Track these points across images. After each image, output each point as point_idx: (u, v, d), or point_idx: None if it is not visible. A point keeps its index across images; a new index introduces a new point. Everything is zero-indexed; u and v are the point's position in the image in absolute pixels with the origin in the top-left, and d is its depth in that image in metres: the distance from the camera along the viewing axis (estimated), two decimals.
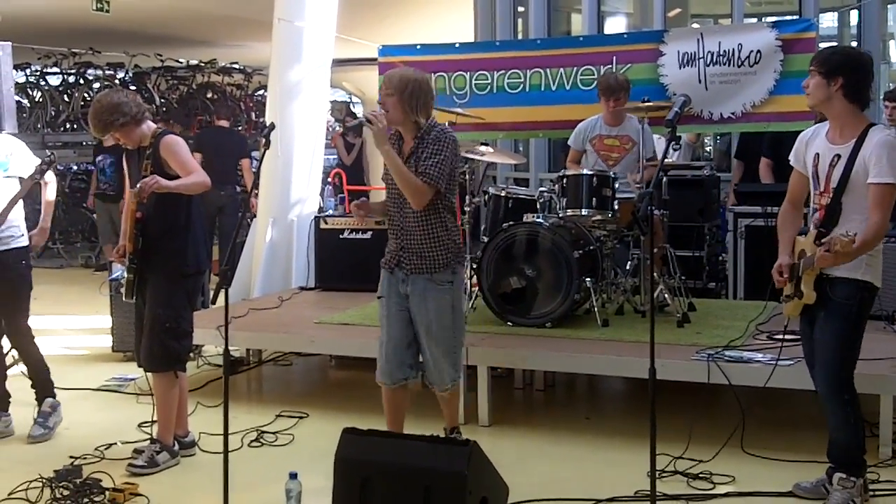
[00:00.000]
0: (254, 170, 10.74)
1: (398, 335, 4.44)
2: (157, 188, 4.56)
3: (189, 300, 4.87)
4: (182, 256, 4.77)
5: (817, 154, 4.05)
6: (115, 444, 5.04)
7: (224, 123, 10.00)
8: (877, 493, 4.22)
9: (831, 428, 4.09)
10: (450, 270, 4.40)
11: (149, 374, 4.86)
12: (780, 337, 4.78)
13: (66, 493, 4.35)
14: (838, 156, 3.96)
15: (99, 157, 11.23)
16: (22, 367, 6.08)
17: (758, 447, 4.75)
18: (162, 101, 14.10)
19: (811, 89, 4.02)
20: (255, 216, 9.53)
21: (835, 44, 10.35)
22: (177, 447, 4.86)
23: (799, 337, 4.31)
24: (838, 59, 3.99)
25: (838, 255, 3.70)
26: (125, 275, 4.78)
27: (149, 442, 4.85)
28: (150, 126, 4.81)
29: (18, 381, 6.07)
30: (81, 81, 14.36)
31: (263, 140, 4.27)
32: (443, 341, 4.40)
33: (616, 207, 5.95)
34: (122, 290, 4.83)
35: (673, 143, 4.18)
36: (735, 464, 4.58)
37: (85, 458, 4.81)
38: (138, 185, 4.57)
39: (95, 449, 4.95)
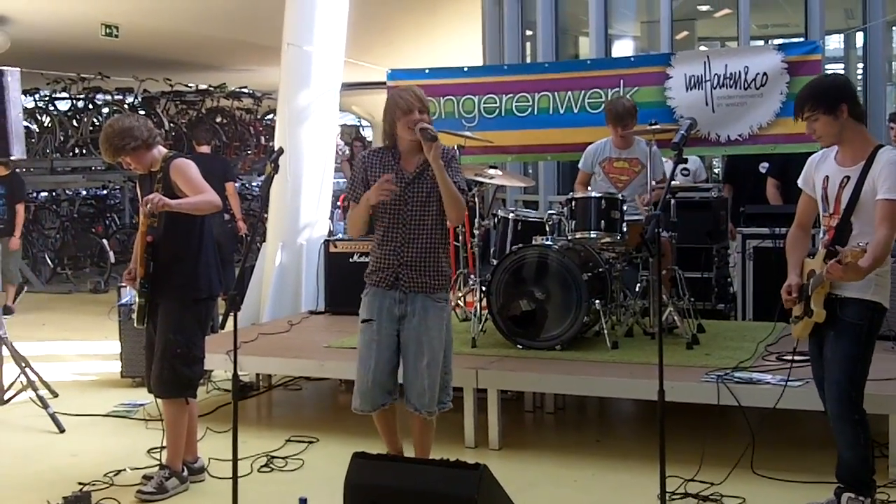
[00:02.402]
0: (255, 193, 10.75)
1: (385, 360, 4.35)
2: (163, 207, 4.54)
3: (200, 326, 4.86)
4: (194, 281, 4.76)
5: (826, 177, 4.06)
6: (125, 470, 5.03)
7: (205, 149, 9.61)
8: None
9: (840, 448, 4.08)
10: (445, 289, 4.39)
11: (159, 400, 4.86)
12: (790, 358, 4.77)
13: None
14: (848, 177, 3.97)
15: None
16: (30, 394, 6.12)
17: (768, 468, 4.73)
18: (171, 125, 14.17)
19: (820, 132, 3.97)
20: (246, 237, 9.56)
21: (841, 66, 10.41)
22: (186, 473, 4.85)
23: (808, 358, 4.31)
24: (831, 90, 4.00)
25: (849, 266, 3.68)
26: (136, 300, 4.78)
27: (158, 468, 4.85)
28: (160, 150, 4.82)
29: (29, 407, 6.11)
30: (90, 106, 14.44)
31: (272, 165, 4.29)
32: (440, 361, 4.33)
33: (625, 230, 5.96)
34: (134, 315, 4.83)
35: (682, 166, 4.19)
36: (745, 485, 4.56)
37: (94, 485, 4.78)
38: (146, 203, 4.57)
39: (104, 475, 4.93)
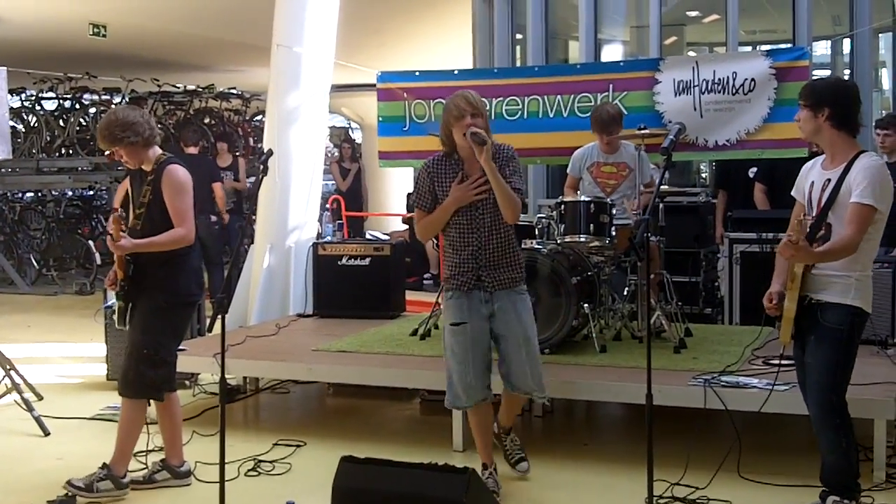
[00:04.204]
0: (248, 192, 10.73)
1: (481, 359, 4.55)
2: (128, 250, 4.52)
3: (174, 330, 4.78)
4: (173, 285, 4.70)
5: (812, 182, 4.15)
6: None
7: (193, 150, 9.52)
8: None
9: (823, 451, 4.11)
10: (524, 281, 4.62)
11: (151, 402, 4.78)
12: (776, 362, 4.79)
13: None
14: (829, 180, 4.05)
15: None
16: (15, 396, 6.08)
17: (754, 472, 4.75)
18: (159, 126, 14.09)
19: (801, 123, 4.14)
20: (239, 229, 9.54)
21: (828, 72, 10.47)
22: (126, 480, 4.74)
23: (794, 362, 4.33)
24: (823, 91, 4.11)
25: (799, 247, 3.76)
26: (116, 302, 4.72)
27: (100, 466, 4.73)
28: (155, 151, 4.74)
29: (14, 410, 6.07)
30: (77, 106, 14.37)
31: (262, 166, 4.28)
32: (536, 348, 4.61)
33: (613, 234, 5.98)
34: (115, 317, 4.78)
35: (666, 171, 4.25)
36: (732, 489, 4.57)
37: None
38: (111, 244, 4.51)
39: None
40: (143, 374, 4.65)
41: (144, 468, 4.93)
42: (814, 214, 4.08)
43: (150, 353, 4.65)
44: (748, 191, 7.58)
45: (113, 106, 13.87)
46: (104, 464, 4.73)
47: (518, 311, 4.55)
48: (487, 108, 7.65)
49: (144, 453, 5.04)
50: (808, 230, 3.82)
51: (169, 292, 4.70)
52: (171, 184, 4.65)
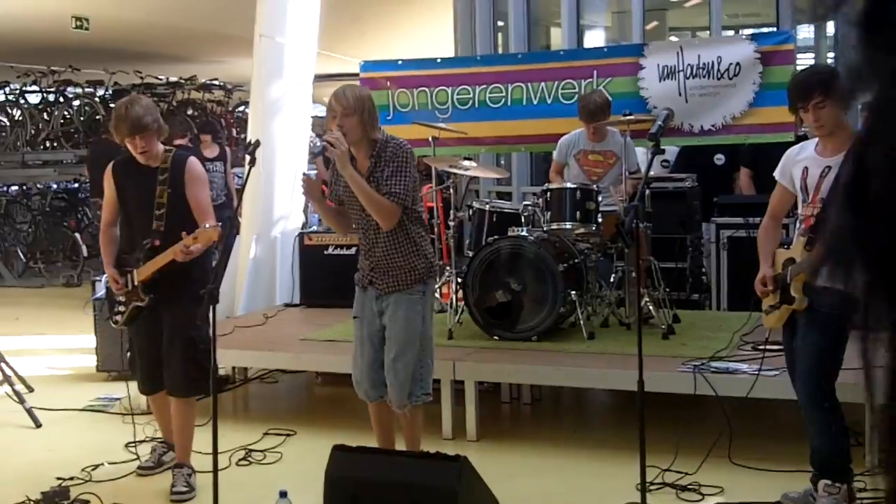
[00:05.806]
0: (237, 186, 10.69)
1: (370, 356, 4.40)
2: (193, 256, 4.40)
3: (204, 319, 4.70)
4: (207, 275, 4.49)
5: (805, 168, 4.09)
6: (102, 464, 5.01)
7: (181, 142, 9.20)
8: (864, 500, 4.25)
9: (811, 436, 4.13)
10: (421, 281, 4.34)
11: (174, 399, 4.71)
12: (763, 347, 4.81)
13: None
14: (829, 167, 4.00)
15: None
16: (6, 389, 6.07)
17: (745, 458, 4.78)
18: None
19: (824, 120, 3.95)
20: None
21: (812, 55, 10.49)
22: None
23: (781, 347, 4.35)
24: (833, 78, 4.01)
25: None
26: (134, 303, 4.58)
27: (176, 468, 4.71)
28: (160, 145, 4.62)
29: (5, 402, 6.05)
30: (61, 99, 14.31)
31: (249, 157, 4.26)
32: (409, 354, 4.29)
33: (599, 220, 5.99)
34: (120, 317, 4.65)
35: (661, 158, 4.21)
36: (723, 474, 4.61)
37: (72, 479, 4.76)
38: (182, 252, 4.37)
39: (82, 470, 4.91)
40: (204, 368, 4.52)
41: (136, 458, 4.93)
42: (810, 201, 4.06)
43: (205, 347, 4.55)
44: (715, 178, 7.56)
45: (96, 99, 13.80)
46: (179, 464, 4.69)
47: (397, 312, 4.30)
48: (471, 94, 7.70)
49: (136, 444, 5.04)
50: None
51: (203, 283, 4.44)
52: (194, 177, 4.55)
